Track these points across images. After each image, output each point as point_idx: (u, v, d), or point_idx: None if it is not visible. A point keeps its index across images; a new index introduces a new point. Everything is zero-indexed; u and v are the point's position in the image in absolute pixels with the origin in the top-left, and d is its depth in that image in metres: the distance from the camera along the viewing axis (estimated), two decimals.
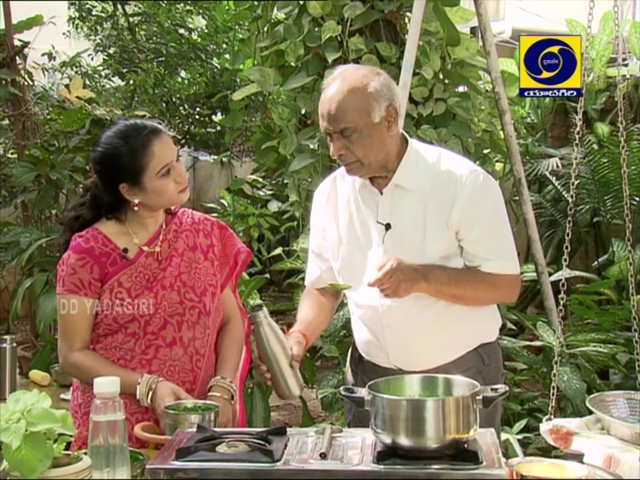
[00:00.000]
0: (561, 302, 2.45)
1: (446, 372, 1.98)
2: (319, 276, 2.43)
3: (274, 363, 2.16)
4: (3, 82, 5.27)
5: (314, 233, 2.43)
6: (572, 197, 2.50)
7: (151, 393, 2.13)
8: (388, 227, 2.22)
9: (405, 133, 2.30)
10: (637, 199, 5.55)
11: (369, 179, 2.26)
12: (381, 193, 2.25)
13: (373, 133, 2.15)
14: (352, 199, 2.31)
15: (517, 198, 4.31)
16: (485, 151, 4.51)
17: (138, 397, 2.14)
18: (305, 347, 2.23)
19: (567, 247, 2.46)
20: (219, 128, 8.37)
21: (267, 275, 5.36)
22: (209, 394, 2.25)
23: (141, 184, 2.18)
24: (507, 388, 1.79)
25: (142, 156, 2.16)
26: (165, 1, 8.38)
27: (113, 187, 2.21)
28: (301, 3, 4.26)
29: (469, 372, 2.12)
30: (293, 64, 4.29)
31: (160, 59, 8.15)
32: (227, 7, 7.98)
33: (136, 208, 2.23)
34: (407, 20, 4.25)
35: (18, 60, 5.35)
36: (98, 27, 8.43)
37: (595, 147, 5.92)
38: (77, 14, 8.46)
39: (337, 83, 2.16)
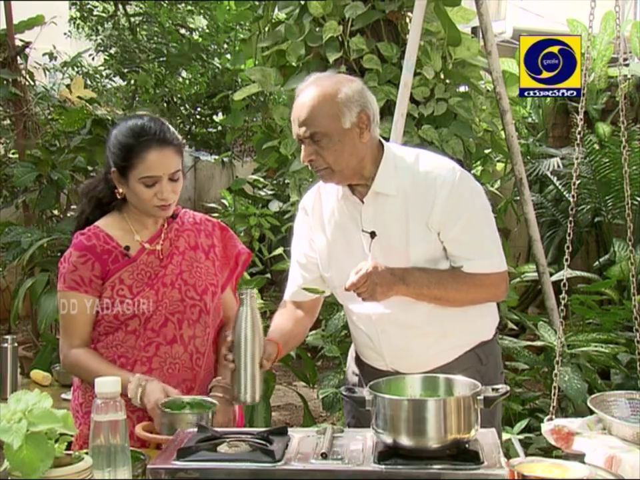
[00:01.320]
0: (562, 302, 2.44)
1: (444, 373, 1.97)
2: (302, 285, 2.37)
3: (243, 352, 2.04)
4: (4, 82, 5.28)
5: (300, 244, 2.40)
6: (573, 196, 2.49)
7: (140, 390, 2.12)
8: (373, 234, 2.21)
9: (382, 139, 2.28)
10: (639, 198, 5.55)
11: (349, 188, 2.25)
12: (363, 202, 2.23)
13: (343, 139, 2.14)
14: (336, 209, 2.29)
15: (518, 198, 4.31)
16: (486, 151, 4.50)
17: (129, 395, 2.12)
18: (277, 356, 2.18)
19: (568, 247, 2.46)
20: (220, 128, 8.37)
21: (268, 275, 5.36)
22: (211, 394, 2.26)
23: (127, 178, 2.22)
24: (508, 388, 1.79)
25: (134, 155, 2.19)
26: (166, 1, 8.38)
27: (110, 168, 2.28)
28: (302, 2, 4.26)
29: (466, 372, 2.12)
30: (294, 64, 4.29)
31: (161, 59, 8.14)
32: (227, 7, 7.98)
33: (118, 196, 2.27)
34: (408, 20, 4.25)
35: (19, 60, 5.36)
36: (99, 27, 8.44)
37: (596, 146, 5.92)
38: (78, 14, 8.46)
39: (309, 89, 2.16)
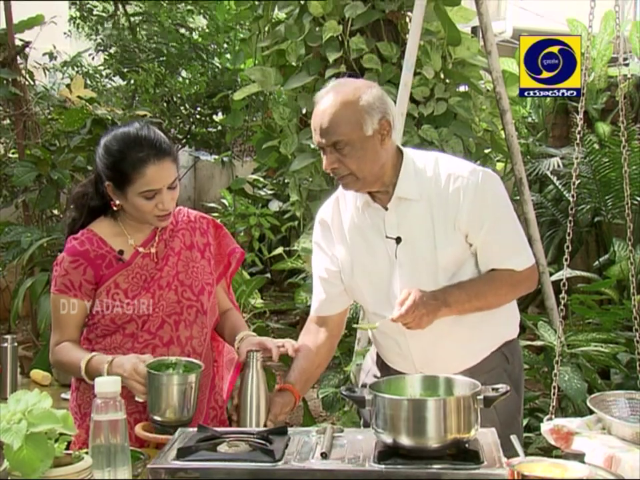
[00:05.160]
0: (562, 302, 2.44)
1: (472, 375, 1.94)
2: (326, 299, 2.33)
3: (248, 408, 2.10)
4: (4, 82, 5.28)
5: (321, 259, 2.35)
6: (573, 196, 2.49)
7: (106, 366, 2.08)
8: (399, 240, 2.19)
9: (400, 145, 2.27)
10: (638, 198, 5.55)
11: (370, 196, 2.23)
12: (386, 209, 2.21)
13: (366, 146, 2.12)
14: (356, 218, 2.27)
15: (518, 198, 4.30)
16: (486, 151, 4.51)
17: (82, 373, 2.12)
18: (291, 408, 2.20)
19: (567, 247, 2.46)
20: (219, 128, 8.36)
21: (268, 275, 5.36)
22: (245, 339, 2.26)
23: (124, 192, 2.19)
24: (508, 387, 1.79)
25: (132, 171, 2.15)
26: (166, 1, 8.37)
27: (103, 180, 2.25)
28: (302, 2, 4.26)
29: (494, 372, 2.11)
30: (293, 63, 4.29)
31: (161, 59, 8.13)
32: (227, 7, 7.98)
33: (115, 208, 2.24)
34: (407, 19, 4.26)
35: (19, 60, 5.36)
36: (99, 27, 8.42)
37: (596, 146, 5.92)
38: (77, 14, 8.45)
39: (330, 96, 2.13)
